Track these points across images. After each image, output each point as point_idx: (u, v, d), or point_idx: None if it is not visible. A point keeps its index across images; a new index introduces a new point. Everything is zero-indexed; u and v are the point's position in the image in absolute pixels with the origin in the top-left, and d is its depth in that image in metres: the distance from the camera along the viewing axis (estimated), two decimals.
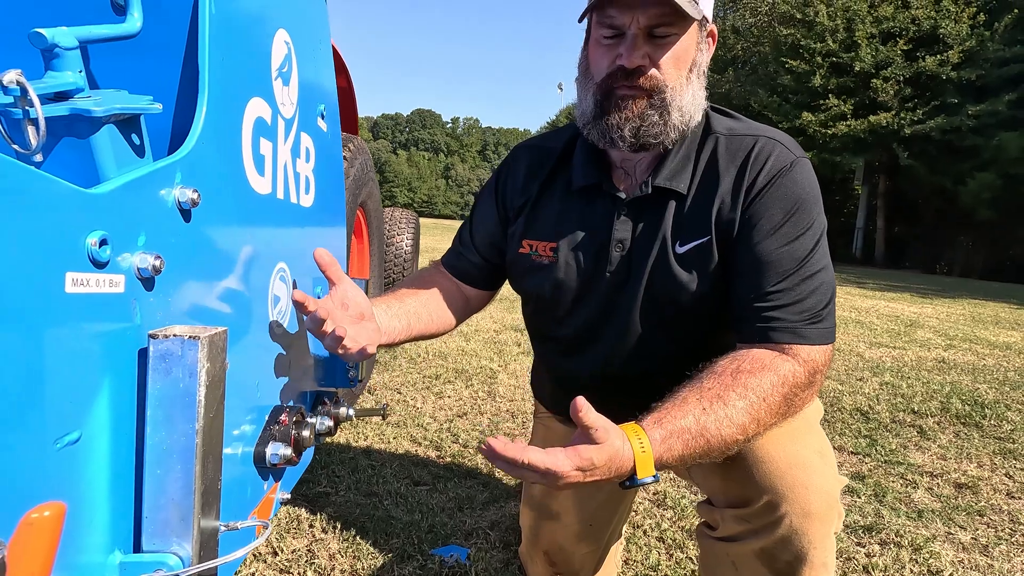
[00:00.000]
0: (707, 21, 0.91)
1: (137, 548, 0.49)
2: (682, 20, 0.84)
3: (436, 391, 2.72)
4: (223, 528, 0.55)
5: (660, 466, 0.74)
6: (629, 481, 0.73)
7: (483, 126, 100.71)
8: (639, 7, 0.83)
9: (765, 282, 0.87)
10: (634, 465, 0.73)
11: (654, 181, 0.94)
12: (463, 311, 1.14)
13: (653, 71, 0.87)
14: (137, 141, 0.54)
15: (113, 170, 0.51)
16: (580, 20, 0.91)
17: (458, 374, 3.00)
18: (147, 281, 0.50)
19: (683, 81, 0.89)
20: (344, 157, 2.22)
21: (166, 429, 0.48)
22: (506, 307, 4.92)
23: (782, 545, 0.83)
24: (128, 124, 0.53)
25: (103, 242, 0.44)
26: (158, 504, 0.48)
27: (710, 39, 0.94)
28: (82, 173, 0.51)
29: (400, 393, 2.67)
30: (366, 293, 0.95)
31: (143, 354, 0.49)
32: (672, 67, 0.87)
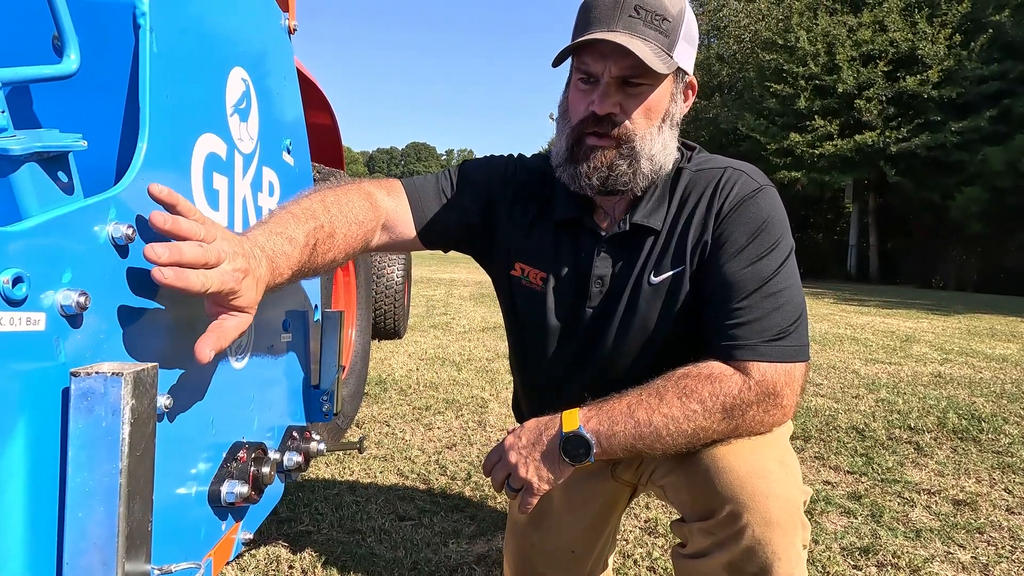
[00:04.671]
0: (685, 73, 0.93)
1: None
2: (653, 73, 0.86)
3: (425, 423, 2.68)
4: (156, 572, 0.53)
5: (593, 433, 0.83)
6: (566, 440, 0.83)
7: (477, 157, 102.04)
8: (611, 57, 0.86)
9: (729, 301, 0.89)
10: (561, 420, 0.84)
11: (632, 219, 0.97)
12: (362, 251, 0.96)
13: (624, 120, 0.89)
14: (65, 179, 0.54)
15: (35, 208, 0.51)
16: (555, 64, 0.94)
17: (448, 404, 2.96)
18: (72, 318, 0.49)
19: (654, 131, 0.91)
20: None
21: (88, 470, 0.47)
22: (500, 335, 4.90)
23: (747, 557, 0.82)
24: (55, 162, 0.53)
25: (17, 280, 0.43)
26: (79, 548, 0.46)
27: (689, 90, 0.97)
28: (2, 212, 0.51)
29: (388, 426, 2.63)
30: (351, 325, 0.94)
31: (66, 393, 0.48)
32: (643, 117, 0.90)
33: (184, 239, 0.58)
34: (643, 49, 0.84)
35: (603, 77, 0.88)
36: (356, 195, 0.92)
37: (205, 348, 0.59)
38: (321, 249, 0.81)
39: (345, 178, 0.98)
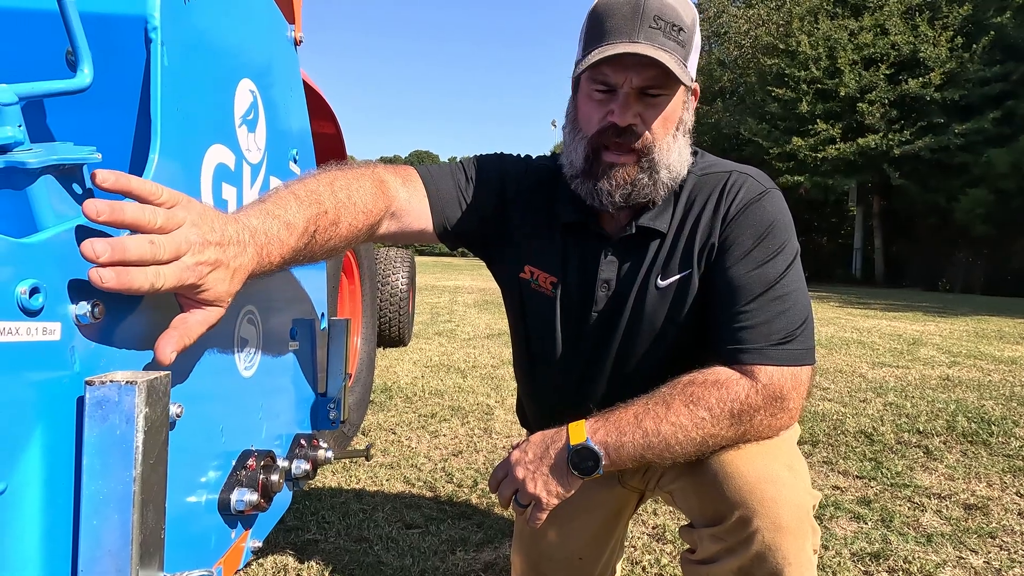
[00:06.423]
0: (692, 81, 0.94)
1: None
2: (673, 83, 0.87)
3: (431, 430, 2.68)
4: None
5: (601, 445, 0.83)
6: (574, 453, 0.83)
7: None
8: (633, 68, 0.86)
9: (734, 305, 0.89)
10: (568, 433, 0.85)
11: (638, 222, 0.97)
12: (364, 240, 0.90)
13: (644, 131, 0.89)
14: (80, 191, 0.55)
15: (51, 219, 0.52)
16: (576, 76, 0.92)
17: (454, 412, 2.96)
18: (87, 328, 0.50)
19: (670, 140, 0.92)
20: None
21: (103, 478, 0.47)
22: (504, 342, 4.90)
23: (758, 563, 0.82)
24: (70, 174, 0.54)
25: (34, 290, 0.44)
26: (94, 556, 0.46)
27: (693, 96, 0.98)
28: (19, 224, 0.52)
29: (395, 433, 2.63)
30: (356, 333, 0.92)
31: (81, 402, 0.48)
32: (661, 127, 0.90)
33: (134, 230, 0.49)
34: (669, 60, 0.84)
35: (623, 88, 0.87)
36: (367, 180, 0.85)
37: (166, 348, 0.52)
38: (321, 237, 0.74)
39: (358, 162, 0.94)
